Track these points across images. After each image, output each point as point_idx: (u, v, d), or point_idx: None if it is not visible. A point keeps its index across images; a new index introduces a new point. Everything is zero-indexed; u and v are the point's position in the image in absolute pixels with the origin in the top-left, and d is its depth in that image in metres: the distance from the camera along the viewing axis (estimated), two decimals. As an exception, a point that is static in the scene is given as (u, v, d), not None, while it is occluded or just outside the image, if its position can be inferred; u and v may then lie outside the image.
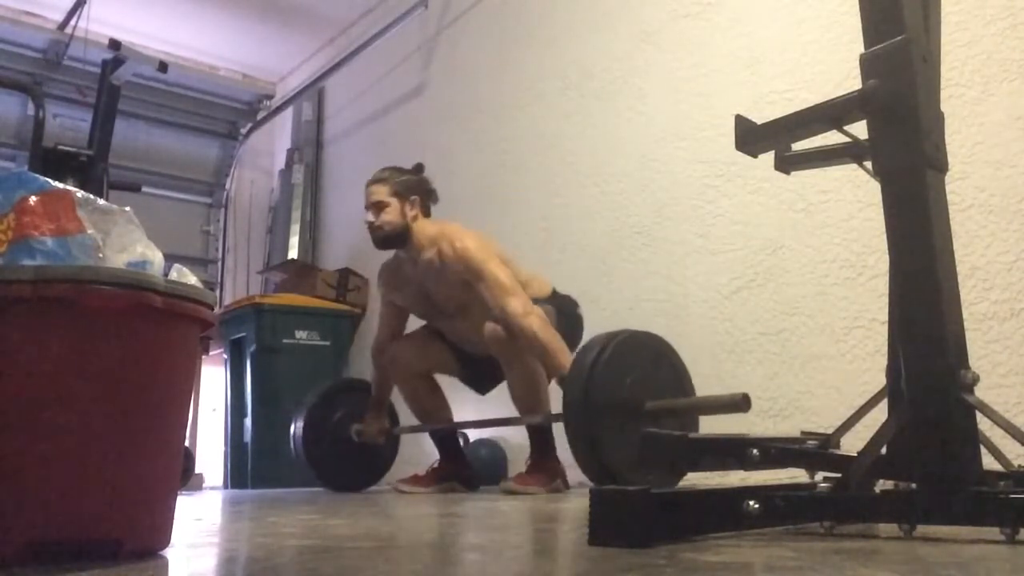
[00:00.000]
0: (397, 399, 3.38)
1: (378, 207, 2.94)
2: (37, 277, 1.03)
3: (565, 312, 2.93)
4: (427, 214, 3.02)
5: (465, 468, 3.20)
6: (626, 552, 1.02)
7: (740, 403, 2.02)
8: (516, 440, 3.57)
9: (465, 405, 3.41)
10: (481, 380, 3.21)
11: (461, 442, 3.42)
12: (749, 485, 1.29)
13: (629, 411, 2.16)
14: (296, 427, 3.30)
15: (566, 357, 2.53)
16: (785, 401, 2.67)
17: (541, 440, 2.90)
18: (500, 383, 3.04)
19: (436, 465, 3.17)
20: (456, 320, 3.04)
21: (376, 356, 3.23)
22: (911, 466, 1.16)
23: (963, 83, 2.37)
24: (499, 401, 3.32)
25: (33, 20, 5.17)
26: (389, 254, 3.14)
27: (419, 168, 3.09)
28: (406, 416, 3.42)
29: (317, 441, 3.27)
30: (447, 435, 3.20)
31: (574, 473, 3.02)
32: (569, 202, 3.60)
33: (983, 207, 2.29)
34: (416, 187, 2.99)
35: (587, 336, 2.55)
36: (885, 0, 1.24)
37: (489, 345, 2.81)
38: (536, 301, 2.79)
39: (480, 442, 3.76)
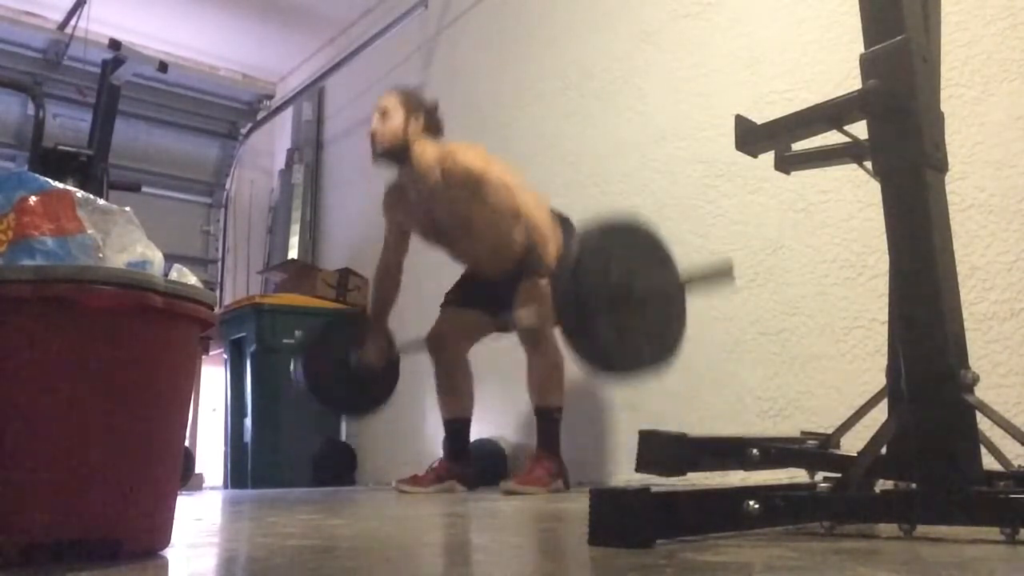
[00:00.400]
0: (392, 401, 3.38)
1: (383, 114, 2.94)
2: (37, 277, 1.03)
3: (565, 226, 2.94)
4: (431, 131, 2.99)
5: (467, 467, 3.19)
6: (626, 552, 1.02)
7: (725, 269, 2.02)
8: (516, 440, 3.57)
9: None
10: (509, 310, 3.07)
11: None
12: (749, 485, 1.29)
13: (620, 295, 2.16)
14: (298, 359, 3.28)
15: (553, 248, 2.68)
16: (785, 401, 2.66)
17: (548, 435, 2.91)
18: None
19: (436, 464, 3.17)
20: (463, 241, 3.03)
21: (379, 277, 3.24)
22: (911, 466, 1.16)
23: (963, 83, 2.37)
24: (499, 401, 3.33)
25: (33, 20, 5.17)
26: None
27: (434, 102, 3.08)
28: (400, 418, 3.41)
29: (318, 370, 3.24)
30: (459, 431, 3.18)
31: (576, 473, 3.03)
32: (569, 202, 3.60)
33: (983, 207, 2.29)
34: (422, 103, 3.00)
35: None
36: (885, 0, 1.24)
37: (518, 331, 2.86)
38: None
39: (480, 442, 3.75)
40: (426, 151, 2.92)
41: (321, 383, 3.24)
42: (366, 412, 3.41)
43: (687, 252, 3.05)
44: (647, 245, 2.28)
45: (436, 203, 2.96)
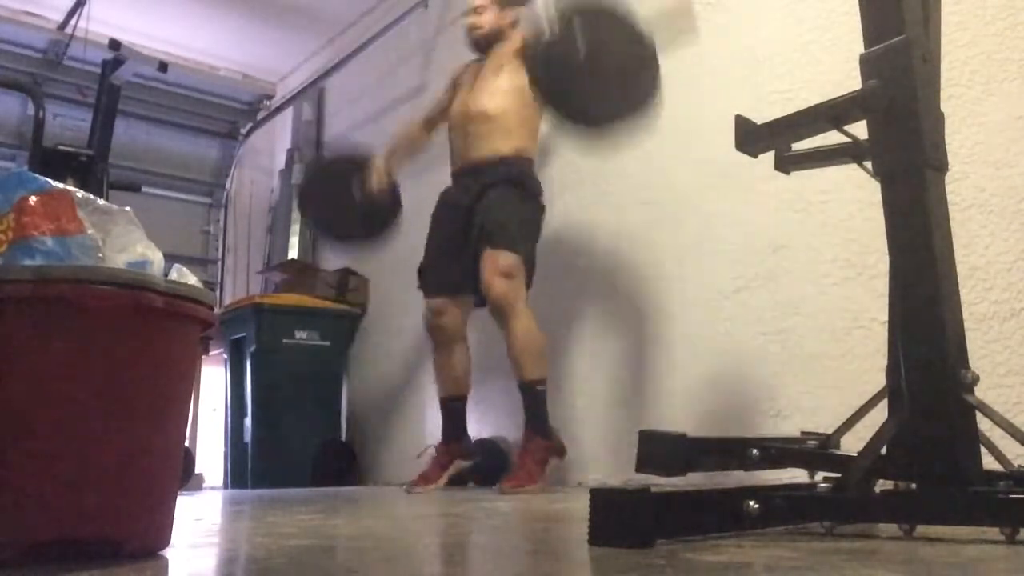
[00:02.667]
0: (392, 400, 3.37)
1: (478, 10, 3.21)
2: (37, 277, 1.03)
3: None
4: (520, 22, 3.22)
5: (467, 448, 3.17)
6: (626, 552, 1.02)
7: (683, 8, 2.06)
8: (517, 440, 3.57)
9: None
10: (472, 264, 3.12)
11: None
12: (749, 485, 1.29)
13: (593, 59, 2.19)
14: (302, 186, 3.34)
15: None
16: (785, 401, 2.66)
17: (533, 411, 2.90)
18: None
19: (435, 454, 3.15)
20: (481, 80, 3.16)
21: (405, 122, 3.47)
22: (911, 466, 1.16)
23: (963, 83, 2.37)
24: (499, 400, 3.33)
25: (33, 20, 5.17)
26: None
27: None
28: (400, 418, 3.40)
29: (320, 197, 3.30)
30: (456, 410, 3.16)
31: (576, 473, 3.03)
32: (569, 202, 3.60)
33: (983, 207, 2.29)
34: (514, 1, 3.22)
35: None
36: (885, 0, 1.24)
37: (488, 297, 2.91)
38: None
39: (480, 442, 3.75)
40: (515, 38, 3.15)
41: (327, 216, 3.33)
42: (374, 239, 3.43)
43: (687, 252, 3.06)
44: (616, 21, 2.29)
45: (491, 70, 3.16)
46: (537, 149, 3.22)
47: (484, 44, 3.23)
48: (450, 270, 3.11)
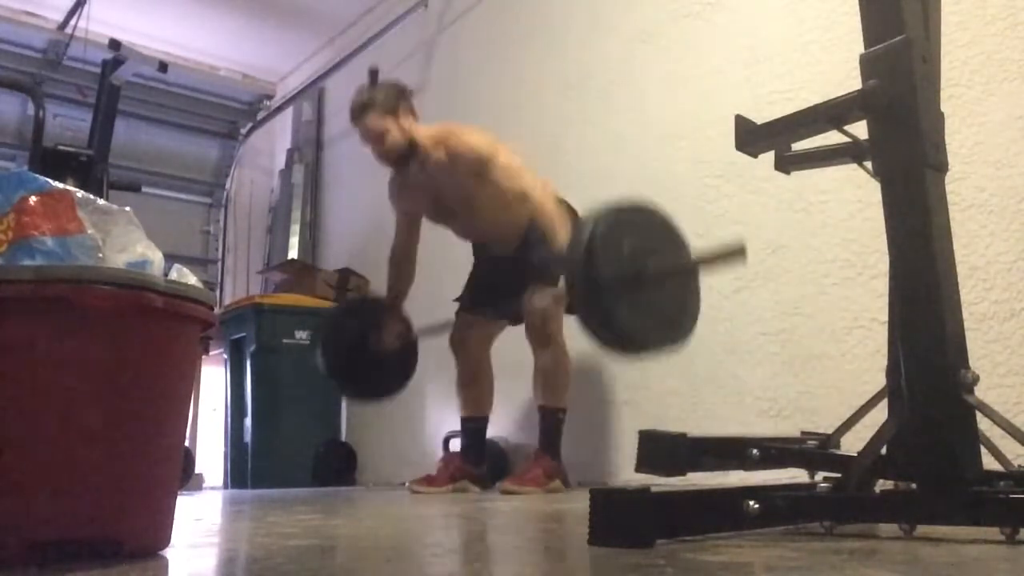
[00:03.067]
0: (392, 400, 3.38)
1: (378, 138, 2.94)
2: (37, 277, 1.03)
3: (568, 210, 2.98)
4: (415, 115, 3.02)
5: (481, 468, 3.17)
6: (626, 552, 1.02)
7: (738, 250, 2.01)
8: (517, 440, 3.57)
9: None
10: (518, 298, 3.06)
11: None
12: (749, 485, 1.29)
13: (633, 274, 2.16)
14: (320, 341, 3.28)
15: (562, 228, 2.70)
16: (785, 401, 2.66)
17: (549, 435, 2.93)
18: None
19: (448, 462, 3.13)
20: (468, 219, 3.06)
21: (393, 262, 3.26)
22: (911, 466, 1.16)
23: (963, 83, 2.37)
24: (500, 401, 3.32)
25: (33, 20, 5.17)
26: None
27: (375, 74, 3.08)
28: (401, 417, 3.40)
29: (338, 353, 3.23)
30: (477, 430, 3.15)
31: (576, 473, 3.03)
32: (569, 202, 3.60)
33: (983, 207, 2.29)
34: (397, 96, 2.99)
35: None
36: (885, 0, 1.24)
37: (527, 325, 2.91)
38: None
39: (480, 442, 3.75)
40: (427, 134, 2.96)
41: (342, 369, 3.22)
42: (387, 395, 3.35)
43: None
44: (660, 227, 2.27)
45: (441, 183, 2.98)
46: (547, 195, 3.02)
47: (401, 162, 3.01)
48: (490, 295, 3.12)
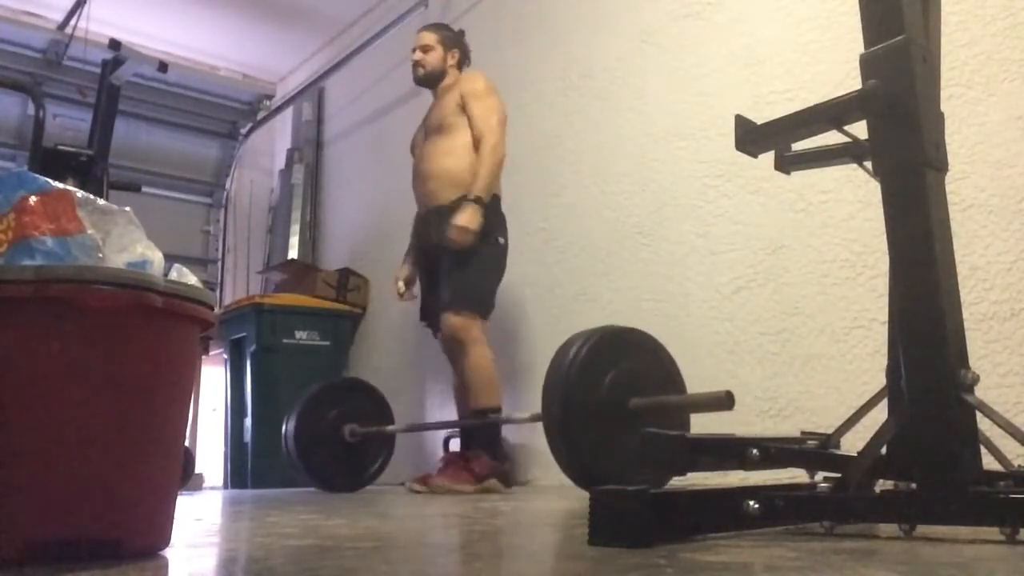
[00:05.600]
0: (392, 400, 3.37)
1: (425, 48, 3.40)
2: (37, 277, 1.03)
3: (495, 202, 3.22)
4: (459, 66, 3.46)
5: (504, 463, 3.16)
6: (626, 552, 1.02)
7: (724, 401, 1.95)
8: (517, 440, 3.57)
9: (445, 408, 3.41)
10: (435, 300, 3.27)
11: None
12: (749, 485, 1.29)
13: (611, 411, 2.04)
14: (288, 427, 3.28)
15: (492, 187, 3.11)
16: (785, 401, 2.66)
17: (485, 433, 3.03)
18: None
19: (471, 461, 3.02)
20: (429, 143, 3.31)
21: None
22: (911, 466, 1.16)
23: (963, 83, 2.37)
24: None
25: (33, 20, 5.17)
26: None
27: (462, 33, 3.54)
28: (401, 418, 3.41)
29: (310, 442, 3.25)
30: (495, 425, 3.10)
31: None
32: (569, 202, 3.60)
33: (983, 207, 2.29)
34: (459, 44, 3.47)
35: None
36: (885, 0, 1.24)
37: (443, 340, 3.09)
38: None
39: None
40: (453, 75, 3.41)
41: (312, 457, 3.26)
42: (355, 489, 3.35)
43: (687, 252, 3.06)
44: (649, 359, 2.22)
45: (435, 107, 3.38)
46: (496, 187, 3.22)
47: (426, 82, 3.43)
48: (425, 304, 3.37)
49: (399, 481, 3.55)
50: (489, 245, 3.11)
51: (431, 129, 3.34)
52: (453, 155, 3.20)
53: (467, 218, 2.99)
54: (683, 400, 2.20)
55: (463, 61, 3.46)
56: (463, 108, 3.22)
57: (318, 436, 3.27)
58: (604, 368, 2.07)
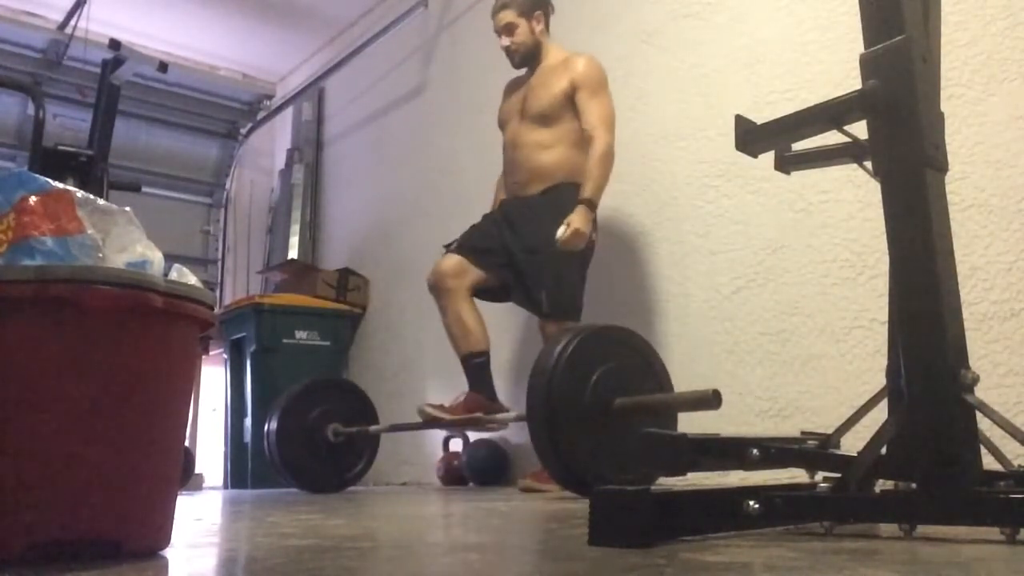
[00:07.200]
0: (392, 401, 3.36)
1: (508, 29, 3.15)
2: (37, 277, 1.03)
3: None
4: (547, 26, 3.21)
5: (492, 398, 3.09)
6: (626, 552, 1.02)
7: (711, 399, 1.92)
8: (517, 440, 3.57)
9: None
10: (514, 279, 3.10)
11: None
12: (749, 485, 1.29)
13: (596, 410, 2.02)
14: (270, 427, 3.24)
15: (602, 190, 2.89)
16: (785, 401, 2.66)
17: (470, 377, 3.01)
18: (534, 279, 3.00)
19: (463, 397, 3.02)
20: (524, 137, 3.11)
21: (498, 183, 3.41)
22: (911, 466, 1.16)
23: (963, 83, 2.37)
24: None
25: (33, 20, 5.17)
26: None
27: None
28: (401, 418, 3.41)
29: (291, 441, 3.21)
30: (479, 365, 3.06)
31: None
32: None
33: (983, 207, 2.29)
34: (535, 3, 3.17)
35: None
36: (885, 0, 1.24)
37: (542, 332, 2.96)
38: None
39: (480, 442, 3.76)
40: (554, 48, 3.17)
41: (294, 457, 3.21)
42: (338, 489, 3.33)
43: (687, 252, 3.06)
44: (637, 358, 2.19)
45: (536, 86, 3.12)
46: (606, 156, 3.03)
47: (524, 62, 3.19)
48: (484, 244, 3.10)
49: (400, 482, 3.56)
50: (587, 247, 2.99)
51: (531, 114, 3.10)
52: (553, 150, 3.04)
53: (580, 221, 2.83)
54: (669, 399, 2.18)
55: (548, 17, 3.21)
56: (570, 98, 3.00)
57: (301, 436, 3.23)
58: (590, 367, 2.05)
